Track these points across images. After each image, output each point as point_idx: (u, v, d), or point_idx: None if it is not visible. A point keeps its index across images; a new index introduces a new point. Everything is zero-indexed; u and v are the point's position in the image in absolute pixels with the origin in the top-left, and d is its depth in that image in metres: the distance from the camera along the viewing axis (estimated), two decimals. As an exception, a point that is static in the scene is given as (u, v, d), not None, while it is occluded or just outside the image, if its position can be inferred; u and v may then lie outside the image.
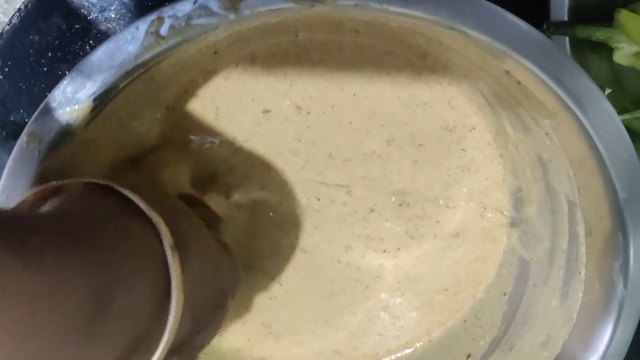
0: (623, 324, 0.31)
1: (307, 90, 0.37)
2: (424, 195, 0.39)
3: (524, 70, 0.27)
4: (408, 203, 0.39)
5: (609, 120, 0.27)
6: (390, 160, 0.38)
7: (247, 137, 0.37)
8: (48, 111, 0.26)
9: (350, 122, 0.37)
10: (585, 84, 0.26)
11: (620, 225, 0.29)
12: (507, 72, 0.28)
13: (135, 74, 0.26)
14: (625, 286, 0.30)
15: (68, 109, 0.25)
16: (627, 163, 0.28)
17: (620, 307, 0.31)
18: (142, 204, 0.24)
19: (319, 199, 0.39)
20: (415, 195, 0.39)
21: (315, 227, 0.39)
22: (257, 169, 0.38)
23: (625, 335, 0.31)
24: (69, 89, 0.25)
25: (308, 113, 0.37)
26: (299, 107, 0.37)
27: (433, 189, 0.39)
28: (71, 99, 0.25)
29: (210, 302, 0.30)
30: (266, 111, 0.37)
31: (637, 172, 0.28)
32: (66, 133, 0.26)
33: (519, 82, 0.28)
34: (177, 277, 0.23)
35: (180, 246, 0.24)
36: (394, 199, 0.39)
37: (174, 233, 0.24)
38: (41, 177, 0.27)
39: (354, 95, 0.37)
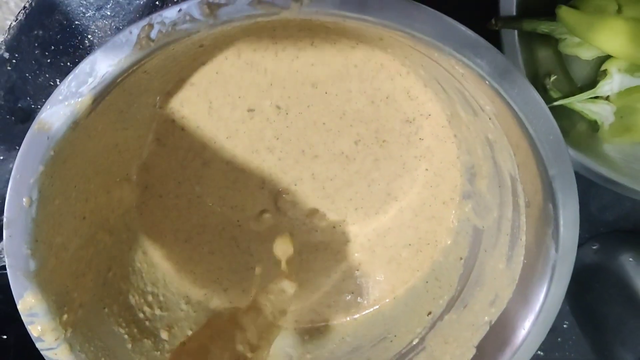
0: (556, 282, 0.35)
1: (286, 88, 0.41)
2: (377, 185, 0.44)
3: (464, 66, 0.31)
4: (361, 193, 0.44)
5: (537, 107, 0.31)
6: (355, 161, 0.43)
7: (230, 134, 0.42)
8: (55, 103, 0.30)
9: (324, 123, 0.42)
10: (516, 76, 0.30)
11: (550, 197, 0.33)
12: (453, 67, 0.33)
13: (130, 70, 0.30)
14: (556, 250, 0.34)
15: (72, 101, 0.30)
16: (554, 143, 0.32)
17: (553, 268, 0.35)
18: None
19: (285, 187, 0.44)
20: (369, 187, 0.44)
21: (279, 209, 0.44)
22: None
23: (558, 293, 0.35)
24: (73, 84, 0.30)
25: (287, 113, 0.41)
26: (279, 107, 0.41)
27: (387, 180, 0.44)
28: (75, 92, 0.30)
29: None
30: (251, 110, 0.41)
31: (563, 151, 0.32)
32: (71, 122, 0.30)
33: (462, 74, 0.33)
34: None
35: None
36: (351, 187, 0.44)
37: None
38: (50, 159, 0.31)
39: (326, 93, 0.41)
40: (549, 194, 0.33)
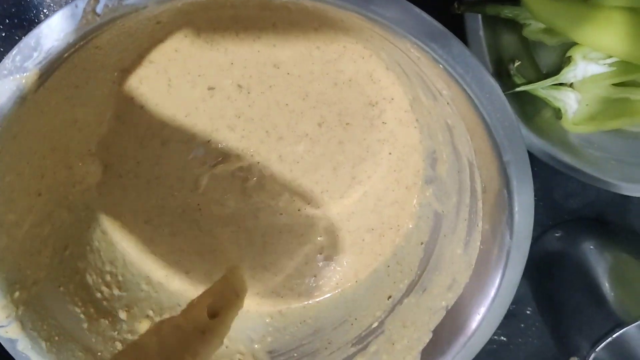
0: (510, 269, 0.35)
1: (247, 68, 0.40)
2: (343, 169, 0.43)
3: (419, 50, 0.30)
4: (327, 177, 0.44)
5: (492, 93, 0.31)
6: (319, 143, 0.42)
7: (189, 112, 0.41)
8: (0, 78, 0.29)
9: (287, 104, 0.41)
10: (471, 61, 0.30)
11: (505, 184, 0.33)
12: (409, 50, 0.32)
13: (77, 45, 0.30)
14: (511, 236, 0.34)
15: (18, 75, 0.29)
16: (509, 129, 0.32)
17: (508, 254, 0.35)
18: None
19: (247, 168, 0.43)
20: (335, 171, 0.43)
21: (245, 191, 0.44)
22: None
23: (513, 278, 0.35)
24: (18, 58, 0.29)
25: (249, 92, 0.41)
26: (240, 86, 0.41)
27: (352, 163, 0.43)
28: (20, 67, 0.29)
29: None
30: (211, 88, 0.41)
31: (518, 137, 0.32)
32: (17, 97, 0.30)
33: (418, 58, 0.32)
34: None
35: None
36: (317, 170, 0.44)
37: None
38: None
39: (288, 74, 0.41)
40: (504, 180, 0.33)
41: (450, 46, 0.30)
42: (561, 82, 0.41)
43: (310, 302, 0.47)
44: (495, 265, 0.36)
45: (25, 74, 0.29)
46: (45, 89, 0.31)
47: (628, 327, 0.40)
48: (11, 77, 0.29)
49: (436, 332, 0.39)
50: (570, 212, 0.52)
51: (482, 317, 0.37)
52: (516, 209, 0.34)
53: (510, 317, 0.54)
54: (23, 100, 0.30)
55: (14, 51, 0.29)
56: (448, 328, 0.38)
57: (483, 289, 0.37)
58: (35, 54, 0.29)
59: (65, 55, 0.30)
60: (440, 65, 0.30)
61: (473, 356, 0.37)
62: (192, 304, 0.37)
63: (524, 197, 0.33)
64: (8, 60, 0.29)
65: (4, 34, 0.41)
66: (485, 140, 0.33)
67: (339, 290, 0.47)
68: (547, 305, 0.49)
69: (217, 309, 0.37)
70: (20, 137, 0.33)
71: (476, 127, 0.33)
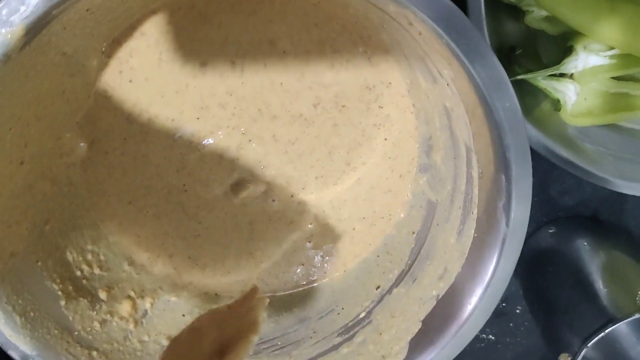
0: (505, 258, 0.34)
1: (241, 44, 0.39)
2: (338, 153, 0.42)
3: (421, 23, 0.30)
4: (322, 161, 0.43)
5: (494, 72, 0.30)
6: (314, 124, 0.41)
7: (178, 88, 0.40)
8: (-16, 32, 0.28)
9: (282, 83, 0.40)
10: (474, 37, 0.29)
11: (504, 168, 0.32)
12: (410, 24, 0.31)
13: (67, 3, 0.28)
14: (507, 224, 0.33)
15: (3, 30, 0.28)
16: (510, 111, 0.31)
17: (503, 242, 0.34)
18: None
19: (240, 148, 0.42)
20: (330, 155, 0.42)
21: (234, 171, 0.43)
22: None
23: (507, 268, 0.35)
24: (4, 11, 0.28)
25: (242, 70, 0.40)
26: (233, 63, 0.40)
27: (347, 148, 0.42)
28: (5, 21, 0.28)
29: None
30: (203, 64, 0.40)
31: (519, 120, 0.31)
32: (1, 54, 0.28)
33: (420, 33, 0.31)
34: None
35: None
36: (312, 154, 0.42)
37: None
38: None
39: (284, 52, 0.40)
40: (502, 165, 0.33)
41: (454, 21, 0.29)
42: (561, 72, 0.41)
43: (296, 290, 0.46)
44: (490, 253, 0.35)
45: (10, 29, 0.28)
46: (31, 49, 0.30)
47: (619, 324, 0.40)
48: (-4, 32, 0.28)
49: (426, 322, 0.38)
50: (565, 209, 0.51)
51: (474, 307, 0.36)
52: (514, 194, 0.33)
53: (500, 316, 0.53)
54: (7, 58, 0.29)
55: (1, 4, 0.27)
56: (438, 318, 0.38)
57: (476, 278, 0.36)
58: (22, 8, 0.27)
59: (54, 12, 0.29)
60: (443, 40, 0.29)
61: (463, 347, 0.37)
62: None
63: (522, 183, 0.33)
64: (-6, 13, 0.28)
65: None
66: (484, 123, 0.32)
67: (327, 279, 0.46)
68: (537, 302, 0.49)
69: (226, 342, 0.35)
70: (2, 99, 0.31)
71: (476, 109, 0.32)
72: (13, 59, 0.29)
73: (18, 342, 0.35)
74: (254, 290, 0.38)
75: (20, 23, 0.28)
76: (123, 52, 0.39)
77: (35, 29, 0.29)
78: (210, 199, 0.44)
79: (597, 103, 0.42)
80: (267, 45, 0.39)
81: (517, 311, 0.53)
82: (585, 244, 0.46)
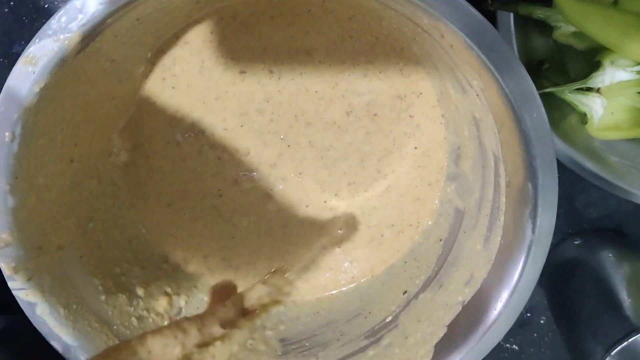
0: (531, 264, 0.35)
1: (279, 53, 0.41)
2: (369, 161, 0.44)
3: (453, 35, 0.31)
4: (355, 167, 0.44)
5: (523, 83, 0.31)
6: (348, 132, 0.43)
7: (218, 95, 0.42)
8: (44, 37, 0.30)
9: (316, 91, 0.42)
10: (504, 49, 0.31)
11: (530, 177, 0.34)
12: (442, 36, 0.33)
13: (121, 12, 0.31)
14: (533, 231, 0.34)
15: (62, 36, 0.30)
16: (538, 121, 0.32)
17: (529, 249, 0.35)
18: None
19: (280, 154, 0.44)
20: (362, 162, 0.44)
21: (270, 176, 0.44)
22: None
23: (533, 274, 0.35)
24: (63, 19, 0.30)
25: (279, 78, 0.42)
26: (271, 71, 0.42)
27: (378, 156, 0.44)
28: (64, 27, 0.30)
29: None
30: (242, 72, 0.42)
31: (546, 130, 0.32)
32: (59, 58, 0.30)
33: (451, 46, 0.33)
34: None
35: None
36: (346, 160, 0.44)
37: None
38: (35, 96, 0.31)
39: (320, 62, 0.41)
40: (530, 173, 0.34)
41: (485, 34, 0.30)
42: (588, 86, 0.42)
43: (324, 294, 0.47)
44: (516, 259, 0.36)
45: (68, 35, 0.30)
46: (85, 55, 0.32)
47: (643, 333, 0.40)
48: (55, 38, 0.30)
49: (451, 326, 0.39)
50: (590, 221, 0.51)
51: (499, 313, 0.37)
52: (540, 202, 0.34)
53: (524, 326, 0.54)
54: (63, 62, 0.31)
55: (61, 12, 0.30)
56: (463, 323, 0.38)
57: (501, 284, 0.37)
58: (80, 16, 0.30)
59: (108, 21, 0.31)
60: (474, 51, 0.31)
61: (487, 351, 0.37)
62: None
63: (549, 191, 0.34)
64: (54, 20, 0.30)
65: (46, 6, 0.42)
66: (512, 132, 0.33)
67: (354, 284, 0.47)
68: (562, 312, 0.49)
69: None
70: (56, 102, 0.33)
71: (504, 119, 0.34)
72: (69, 63, 0.31)
73: (61, 332, 0.37)
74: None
75: (77, 30, 0.30)
76: (167, 60, 0.41)
77: (90, 36, 0.31)
78: (244, 204, 0.45)
79: (624, 117, 0.43)
80: (303, 54, 0.41)
81: (542, 322, 0.54)
82: (610, 255, 0.47)
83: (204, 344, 0.30)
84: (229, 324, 0.33)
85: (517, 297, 0.36)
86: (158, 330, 0.30)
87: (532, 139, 0.32)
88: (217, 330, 0.31)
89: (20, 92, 0.31)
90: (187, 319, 0.31)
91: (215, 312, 0.33)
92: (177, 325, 0.31)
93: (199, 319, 0.32)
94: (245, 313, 0.35)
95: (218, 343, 0.30)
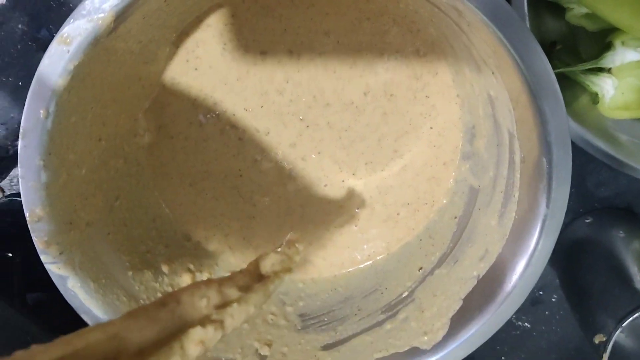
0: (545, 237, 0.36)
1: (299, 34, 0.42)
2: (386, 141, 0.45)
3: (470, 13, 0.32)
4: (372, 148, 0.45)
5: (537, 58, 0.32)
6: (365, 112, 0.44)
7: (240, 76, 0.43)
8: (79, 17, 0.31)
9: (335, 71, 0.43)
10: (520, 27, 0.32)
11: (545, 152, 0.34)
12: (460, 15, 0.34)
13: (151, -8, 0.32)
14: (547, 205, 0.35)
15: (95, 16, 0.31)
16: (552, 97, 0.33)
17: (543, 222, 0.36)
18: None
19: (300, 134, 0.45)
20: (379, 142, 0.45)
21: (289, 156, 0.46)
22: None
23: (547, 247, 0.36)
24: (96, 0, 0.31)
25: (299, 58, 0.43)
26: (291, 52, 0.43)
27: (395, 136, 0.45)
28: (98, 8, 0.31)
29: None
30: (263, 53, 0.43)
31: (560, 104, 0.33)
32: (92, 37, 0.32)
33: (468, 24, 0.34)
34: None
35: None
36: (363, 141, 0.45)
37: None
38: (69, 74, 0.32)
39: (338, 42, 0.43)
40: (545, 149, 0.34)
41: (501, 12, 0.31)
42: (600, 66, 0.43)
43: (342, 272, 0.48)
44: (530, 233, 0.37)
45: (102, 15, 0.31)
46: (116, 35, 0.34)
47: (654, 306, 0.41)
48: (89, 18, 0.31)
49: (467, 299, 0.40)
50: (601, 200, 0.53)
51: (514, 285, 0.38)
52: (555, 176, 0.35)
53: (536, 304, 0.55)
54: (96, 42, 0.32)
55: (94, -7, 0.31)
56: (478, 296, 0.39)
57: (516, 257, 0.38)
58: (113, -3, 0.31)
59: (140, 1, 0.32)
60: (490, 28, 0.32)
61: (502, 323, 0.38)
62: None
63: (563, 165, 0.34)
64: (88, 1, 0.31)
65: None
66: (528, 109, 0.34)
67: (371, 261, 0.48)
68: (573, 288, 0.50)
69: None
70: (87, 81, 0.35)
71: (520, 96, 0.34)
72: (101, 43, 0.33)
73: (91, 305, 0.38)
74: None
75: (110, 10, 0.31)
76: (190, 42, 0.42)
77: (122, 16, 0.32)
78: (264, 184, 0.47)
79: (634, 97, 0.44)
80: (322, 35, 0.42)
81: (553, 300, 0.55)
82: (620, 233, 0.48)
83: (222, 305, 0.32)
84: (245, 289, 0.34)
85: (531, 269, 0.37)
86: (185, 287, 0.31)
87: (547, 115, 0.33)
88: (234, 292, 0.33)
89: (55, 70, 0.32)
90: (206, 281, 0.33)
91: (232, 277, 0.35)
92: (198, 285, 0.33)
93: (218, 283, 0.33)
94: (260, 279, 0.37)
95: (235, 304, 0.32)
